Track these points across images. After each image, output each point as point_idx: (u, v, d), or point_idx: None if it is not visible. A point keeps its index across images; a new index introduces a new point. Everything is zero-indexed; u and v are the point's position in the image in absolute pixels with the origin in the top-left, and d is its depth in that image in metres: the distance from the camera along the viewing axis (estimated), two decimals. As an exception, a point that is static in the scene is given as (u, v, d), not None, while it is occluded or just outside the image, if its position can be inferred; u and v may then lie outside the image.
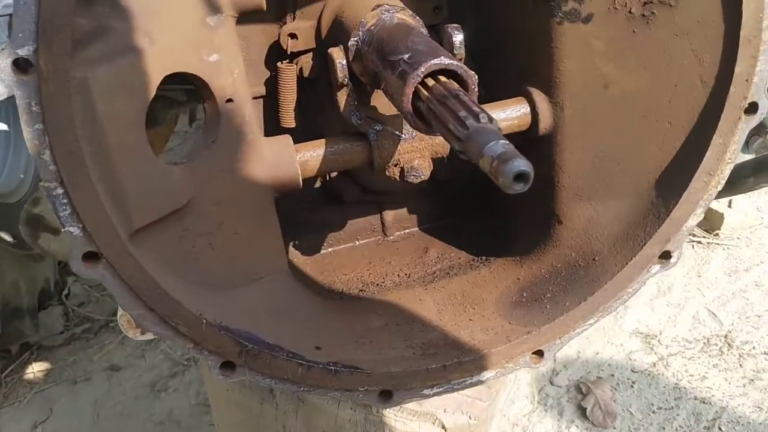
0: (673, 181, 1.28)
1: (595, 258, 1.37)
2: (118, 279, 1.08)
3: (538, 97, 1.35)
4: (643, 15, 1.22)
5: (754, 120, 1.23)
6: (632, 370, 3.13)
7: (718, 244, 3.80)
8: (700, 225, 3.90)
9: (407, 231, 1.77)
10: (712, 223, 3.85)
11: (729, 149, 1.24)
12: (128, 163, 1.05)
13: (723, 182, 1.27)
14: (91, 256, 1.06)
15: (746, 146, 3.20)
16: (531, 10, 1.31)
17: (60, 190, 1.00)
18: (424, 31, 1.30)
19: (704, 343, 3.24)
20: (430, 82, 1.05)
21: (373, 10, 1.30)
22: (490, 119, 0.92)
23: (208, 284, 1.21)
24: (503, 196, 1.62)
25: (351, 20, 1.34)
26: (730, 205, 3.84)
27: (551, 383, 3.11)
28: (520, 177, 0.83)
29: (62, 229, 1.04)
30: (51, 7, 0.92)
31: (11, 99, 1.04)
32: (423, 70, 1.03)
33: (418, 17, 1.33)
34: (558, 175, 1.40)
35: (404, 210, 1.75)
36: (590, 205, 1.39)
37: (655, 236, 1.29)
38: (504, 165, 0.83)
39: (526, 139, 1.40)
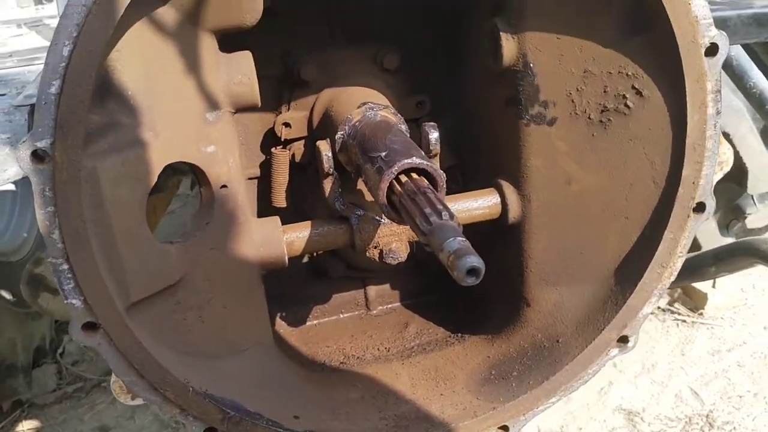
0: (630, 271, 1.39)
1: (559, 340, 1.46)
2: (113, 348, 1.18)
3: (508, 189, 1.47)
4: (601, 121, 1.35)
5: (702, 218, 1.34)
6: (614, 447, 3.17)
7: (702, 323, 3.87)
8: (684, 304, 3.99)
9: (389, 306, 1.87)
10: (696, 302, 3.94)
11: (680, 244, 1.35)
12: (129, 244, 1.16)
13: (675, 274, 1.37)
14: (90, 326, 1.16)
15: (726, 230, 3.33)
16: (502, 111, 1.44)
17: (65, 266, 1.11)
18: (404, 127, 1.43)
19: (686, 422, 3.28)
20: (404, 178, 1.17)
21: (358, 107, 1.44)
22: (451, 216, 1.04)
23: (197, 354, 1.31)
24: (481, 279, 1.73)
25: (339, 115, 1.47)
26: (714, 285, 3.94)
27: (535, 458, 3.15)
28: (472, 272, 0.94)
29: (65, 301, 1.14)
30: (69, 106, 1.04)
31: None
32: (396, 168, 1.16)
33: (399, 115, 1.46)
34: (526, 262, 1.51)
35: (387, 286, 1.86)
36: (556, 290, 1.50)
37: (613, 322, 1.39)
38: (459, 260, 0.94)
39: (498, 227, 1.52)
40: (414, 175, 1.18)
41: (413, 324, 1.79)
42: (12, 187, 4.04)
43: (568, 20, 1.30)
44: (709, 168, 1.31)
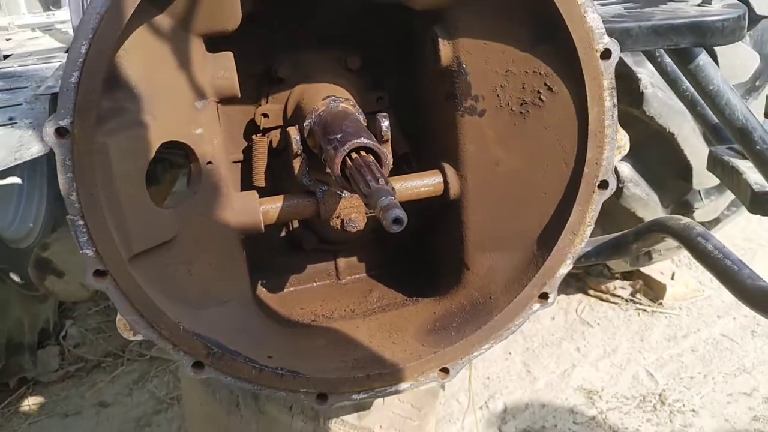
0: (548, 238, 1.67)
1: (491, 297, 1.74)
2: (119, 291, 1.46)
3: (449, 170, 1.76)
4: (521, 112, 1.63)
5: (607, 193, 1.62)
6: (574, 422, 3.45)
7: (661, 312, 4.16)
8: (645, 295, 4.28)
9: (356, 276, 2.15)
10: (656, 292, 4.22)
11: (587, 215, 1.63)
12: (131, 206, 1.44)
13: (585, 240, 1.65)
14: (99, 273, 1.44)
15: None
16: (442, 105, 1.73)
17: (81, 222, 1.39)
18: (362, 117, 1.72)
19: (640, 400, 3.56)
20: (354, 155, 1.45)
21: (323, 99, 1.73)
22: (386, 182, 1.33)
23: (186, 302, 1.59)
24: (431, 249, 2.02)
25: (308, 106, 1.76)
26: (672, 278, 4.23)
27: (500, 431, 3.42)
28: (396, 221, 1.22)
29: (79, 251, 1.42)
30: (85, 93, 1.33)
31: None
32: (348, 146, 1.44)
33: (358, 107, 1.75)
34: (465, 232, 1.79)
35: (354, 258, 2.14)
36: (489, 256, 1.78)
37: (533, 280, 1.67)
38: (387, 212, 1.22)
39: (443, 203, 1.80)
40: (362, 153, 1.46)
41: (376, 290, 2.07)
42: (18, 180, 4.35)
43: (492, 29, 1.58)
44: (609, 151, 1.59)
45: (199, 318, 1.60)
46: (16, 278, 3.58)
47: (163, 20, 1.45)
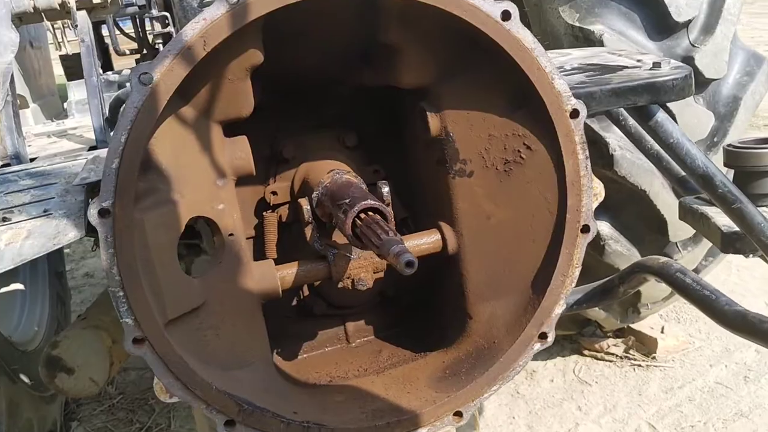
0: (541, 281, 1.84)
1: (495, 341, 1.89)
2: (156, 356, 1.59)
3: (445, 227, 1.94)
4: (505, 170, 1.84)
5: (589, 237, 1.81)
6: (583, 480, 3.50)
7: (655, 365, 4.27)
8: (638, 350, 4.40)
9: (365, 339, 2.29)
10: (648, 348, 4.35)
11: (574, 257, 1.81)
12: (165, 276, 1.60)
13: (575, 281, 1.82)
14: (138, 341, 1.58)
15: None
16: (435, 170, 1.93)
17: (121, 293, 1.54)
18: (363, 186, 1.91)
19: (645, 452, 3.63)
20: (362, 215, 1.63)
21: (328, 173, 1.93)
22: (395, 234, 1.50)
23: (216, 363, 1.72)
24: (435, 305, 2.17)
25: (314, 180, 1.96)
26: (662, 331, 4.37)
27: (511, 494, 3.46)
28: (409, 263, 1.39)
29: (120, 320, 1.56)
30: (124, 176, 1.51)
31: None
32: (357, 208, 1.63)
33: (360, 177, 1.95)
34: (465, 284, 1.96)
35: (362, 322, 2.29)
36: (490, 304, 1.94)
37: (532, 321, 1.82)
38: (400, 257, 1.39)
39: (442, 259, 1.97)
40: (370, 213, 1.65)
41: (386, 350, 2.21)
42: (21, 286, 4.46)
43: (473, 100, 1.81)
44: (587, 198, 1.79)
45: (228, 378, 1.73)
46: (26, 379, 3.65)
47: (188, 110, 1.65)
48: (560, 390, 4.20)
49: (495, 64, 1.72)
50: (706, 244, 3.69)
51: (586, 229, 1.81)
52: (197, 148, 1.69)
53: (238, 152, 1.78)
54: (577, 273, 1.84)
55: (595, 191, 1.84)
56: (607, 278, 2.34)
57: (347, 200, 1.70)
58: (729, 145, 2.52)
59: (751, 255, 2.37)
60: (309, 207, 1.87)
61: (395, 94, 1.96)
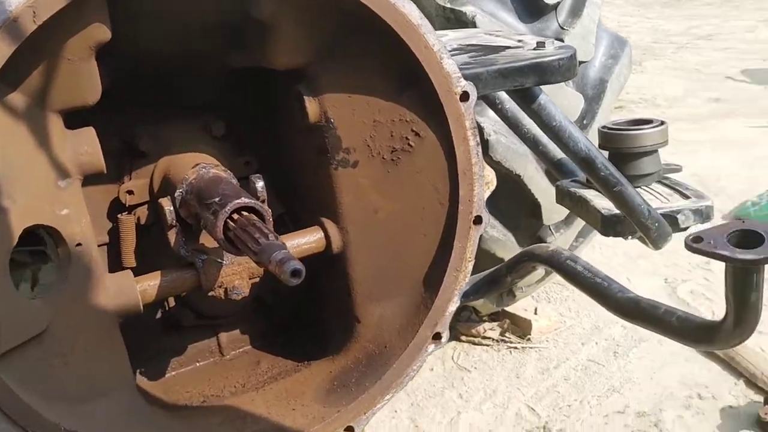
0: (434, 278, 1.71)
1: (386, 346, 1.74)
2: (-15, 398, 1.31)
3: (329, 224, 1.76)
4: (392, 159, 1.69)
5: (481, 228, 1.70)
6: (468, 469, 3.45)
7: (531, 347, 4.32)
8: (514, 333, 4.44)
9: (241, 349, 2.07)
10: (523, 329, 4.39)
11: (468, 250, 1.70)
12: (-6, 299, 1.32)
13: (468, 275, 1.71)
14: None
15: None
16: (315, 160, 1.75)
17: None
18: (234, 181, 1.69)
19: (526, 436, 3.64)
20: (236, 216, 1.42)
21: (193, 167, 1.69)
22: (276, 238, 1.30)
23: (65, 398, 1.45)
24: (319, 309, 1.99)
25: (176, 177, 1.71)
26: (536, 312, 4.43)
27: (398, 491, 3.36)
28: (295, 272, 1.20)
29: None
30: None
31: None
32: (229, 208, 1.41)
33: (229, 171, 1.72)
34: (352, 284, 1.79)
35: (237, 331, 2.07)
36: (379, 305, 1.78)
37: (425, 322, 1.69)
38: (283, 265, 1.20)
39: (326, 258, 1.79)
40: (244, 213, 1.43)
41: (264, 361, 2.01)
42: None
43: (355, 83, 1.64)
44: (479, 188, 1.67)
45: (81, 414, 1.47)
46: None
47: (17, 98, 1.36)
48: (440, 378, 4.15)
49: (379, 43, 1.56)
50: (577, 226, 3.74)
51: (478, 220, 1.70)
52: (31, 144, 1.40)
53: (84, 146, 1.50)
54: (470, 267, 1.72)
55: (486, 179, 1.74)
56: (494, 268, 2.25)
57: (217, 199, 1.48)
58: (604, 127, 2.51)
59: (630, 237, 2.38)
60: (171, 207, 1.63)
61: (269, 76, 1.75)
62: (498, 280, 2.20)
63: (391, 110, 1.65)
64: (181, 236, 1.64)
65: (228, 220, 1.41)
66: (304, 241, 1.76)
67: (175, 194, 1.66)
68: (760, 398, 3.49)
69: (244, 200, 1.42)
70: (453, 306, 1.71)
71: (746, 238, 1.44)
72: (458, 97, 1.60)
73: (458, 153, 1.63)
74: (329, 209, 1.76)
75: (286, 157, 1.94)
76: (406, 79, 1.61)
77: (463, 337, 4.44)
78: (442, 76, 1.57)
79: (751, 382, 3.70)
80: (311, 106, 1.67)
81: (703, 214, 2.36)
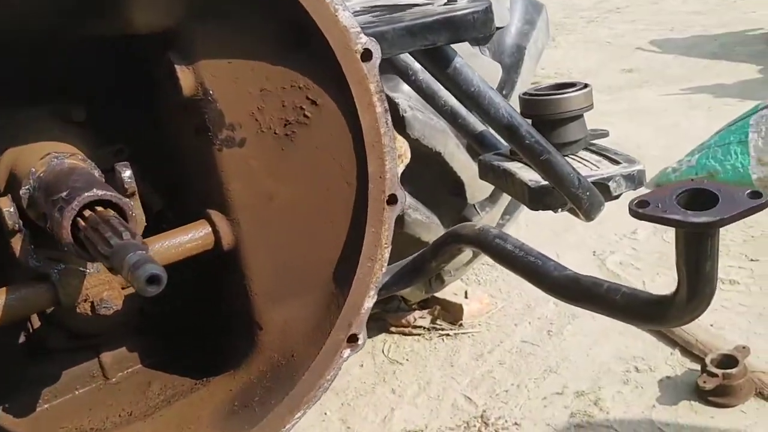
0: (344, 271, 1.46)
1: (294, 354, 1.48)
2: None
3: (217, 217, 1.48)
4: (287, 134, 1.42)
5: (397, 209, 1.45)
6: (404, 468, 3.24)
7: (463, 333, 4.15)
8: (445, 319, 4.26)
9: (130, 370, 1.77)
10: (454, 315, 4.21)
11: (383, 236, 1.45)
12: None
13: (385, 265, 1.46)
14: None
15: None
16: (195, 142, 1.46)
17: None
18: (96, 172, 1.39)
19: (464, 427, 3.46)
20: (88, 213, 1.13)
21: (42, 158, 1.37)
22: (133, 236, 1.02)
23: None
24: (215, 317, 1.71)
25: (23, 170, 1.39)
26: (466, 296, 4.25)
27: (332, 500, 3.12)
28: (152, 279, 0.92)
29: None
30: None
31: None
32: (77, 203, 1.12)
33: (90, 161, 1.42)
34: (250, 285, 1.52)
35: (123, 350, 1.76)
36: (284, 307, 1.52)
37: (338, 323, 1.44)
38: (137, 271, 0.92)
39: (217, 257, 1.51)
40: (99, 209, 1.14)
41: (156, 382, 1.71)
42: None
43: (234, 45, 1.36)
44: (391, 162, 1.43)
45: None
46: None
47: None
48: (371, 374, 3.92)
49: (259, -6, 1.29)
50: (503, 203, 3.57)
51: (393, 199, 1.46)
52: None
53: None
54: (386, 255, 1.48)
55: (399, 152, 1.50)
56: (417, 254, 2.02)
57: (64, 193, 1.18)
58: (525, 94, 2.32)
59: (560, 209, 2.20)
60: (12, 209, 1.31)
61: (136, 45, 1.45)
62: (422, 266, 1.97)
63: (281, 75, 1.38)
64: (29, 243, 1.33)
65: (78, 218, 1.12)
66: (188, 238, 1.48)
67: (21, 192, 1.34)
68: (697, 366, 3.41)
69: (97, 192, 1.13)
70: (369, 301, 1.47)
71: (697, 198, 1.25)
72: (359, 56, 1.35)
73: (363, 122, 1.38)
74: (216, 199, 1.48)
75: (166, 141, 1.65)
76: (296, 36, 1.34)
77: (393, 329, 4.22)
78: (338, 31, 1.31)
79: (687, 351, 3.63)
80: (184, 76, 1.38)
81: (636, 180, 2.20)
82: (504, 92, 3.26)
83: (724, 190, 1.19)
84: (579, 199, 2.08)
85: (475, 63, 2.97)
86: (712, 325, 3.74)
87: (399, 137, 1.52)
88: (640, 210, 1.21)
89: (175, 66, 1.38)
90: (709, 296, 1.27)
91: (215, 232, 1.48)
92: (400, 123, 3.04)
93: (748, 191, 1.17)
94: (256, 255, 1.50)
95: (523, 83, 3.28)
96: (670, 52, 8.97)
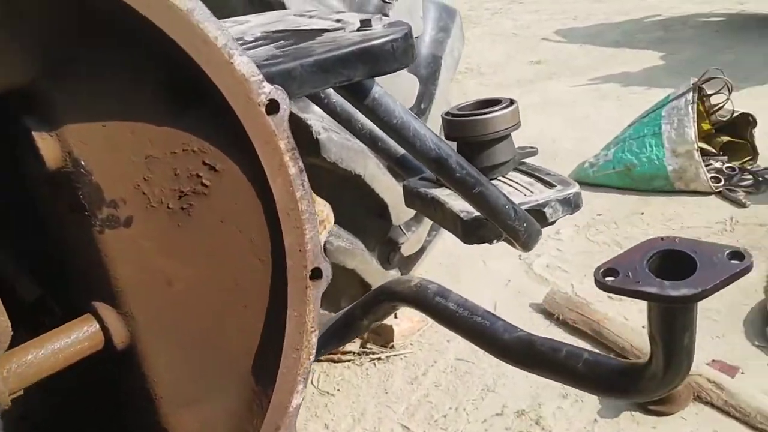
0: (266, 364, 1.23)
1: (212, 466, 1.24)
2: None
3: (105, 311, 1.21)
4: (182, 208, 1.16)
5: (323, 284, 1.23)
6: None
7: (395, 355, 3.96)
8: (375, 342, 4.06)
9: None
10: (385, 337, 4.02)
11: (308, 319, 1.22)
12: None
13: (313, 352, 1.24)
14: None
15: (388, 263, 3.43)
16: (70, 223, 1.19)
17: None
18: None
19: (404, 459, 3.28)
20: None
21: None
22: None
23: None
24: (116, 426, 1.44)
25: None
26: (396, 316, 4.06)
27: None
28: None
29: None
30: None
31: None
32: None
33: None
34: (153, 387, 1.26)
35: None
36: (197, 410, 1.27)
37: (263, 428, 1.21)
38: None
39: (110, 359, 1.25)
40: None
41: None
42: None
43: (106, 104, 1.09)
44: (311, 231, 1.20)
45: None
46: None
47: None
48: (302, 409, 3.67)
49: (139, 44, 1.04)
50: (429, 221, 3.39)
51: (317, 273, 1.23)
52: None
53: None
54: (314, 340, 1.25)
55: (320, 216, 1.27)
56: (346, 309, 1.80)
57: None
58: (447, 114, 2.14)
59: (495, 241, 2.03)
60: None
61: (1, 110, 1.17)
62: (352, 324, 1.76)
63: (169, 138, 1.12)
64: None
65: None
66: (71, 339, 1.20)
67: None
68: (636, 374, 3.35)
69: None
70: (298, 397, 1.24)
71: (669, 260, 1.09)
72: (263, 108, 1.11)
73: (275, 187, 1.14)
74: (104, 289, 1.21)
75: (37, 222, 1.36)
76: (182, 91, 1.09)
77: (322, 357, 3.99)
78: (235, 81, 1.07)
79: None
80: (46, 145, 1.11)
81: (572, 203, 2.06)
82: (422, 105, 3.08)
83: (700, 252, 1.03)
84: (516, 231, 1.92)
85: (390, 79, 2.77)
86: (644, 327, 3.69)
87: (319, 200, 1.29)
88: (608, 282, 1.03)
89: (34, 134, 1.11)
90: (687, 367, 1.12)
91: (104, 329, 1.21)
92: (314, 146, 2.81)
93: (728, 251, 1.01)
94: (159, 352, 1.23)
95: (442, 95, 3.11)
96: (575, 41, 9.06)
